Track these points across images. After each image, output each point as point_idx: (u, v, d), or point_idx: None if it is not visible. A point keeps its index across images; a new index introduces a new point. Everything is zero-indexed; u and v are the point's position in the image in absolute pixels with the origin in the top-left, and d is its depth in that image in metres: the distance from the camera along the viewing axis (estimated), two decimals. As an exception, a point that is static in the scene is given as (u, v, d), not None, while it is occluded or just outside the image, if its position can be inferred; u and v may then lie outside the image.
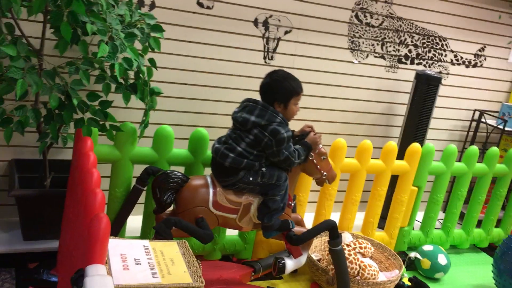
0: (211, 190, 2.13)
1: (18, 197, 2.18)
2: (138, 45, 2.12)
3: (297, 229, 2.27)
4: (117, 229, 2.25)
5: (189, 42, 2.62)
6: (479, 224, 3.29)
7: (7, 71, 1.76)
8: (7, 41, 1.82)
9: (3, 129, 1.89)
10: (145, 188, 2.27)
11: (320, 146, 2.28)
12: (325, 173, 2.29)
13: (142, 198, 2.32)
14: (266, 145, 2.07)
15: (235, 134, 2.13)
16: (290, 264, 2.29)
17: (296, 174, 2.31)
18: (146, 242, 1.72)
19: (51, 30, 1.97)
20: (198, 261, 1.67)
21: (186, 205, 2.10)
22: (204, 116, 2.76)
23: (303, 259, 2.34)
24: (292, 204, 2.33)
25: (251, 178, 2.12)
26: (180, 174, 2.13)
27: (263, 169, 2.15)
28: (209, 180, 2.17)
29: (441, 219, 3.22)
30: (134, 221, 2.45)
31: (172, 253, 1.67)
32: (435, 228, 3.12)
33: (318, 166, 2.27)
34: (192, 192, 2.12)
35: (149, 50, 2.19)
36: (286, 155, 2.09)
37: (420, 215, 3.15)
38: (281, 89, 2.12)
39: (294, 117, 2.21)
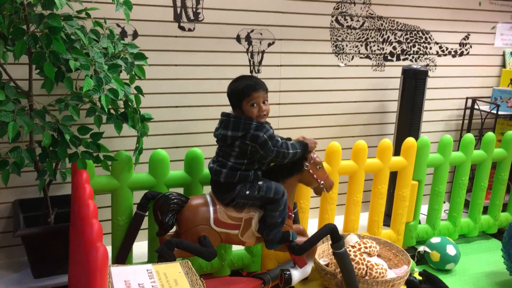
0: (211, 208, 2.17)
1: (23, 236, 2.22)
2: (125, 75, 2.18)
3: (299, 239, 2.29)
4: (124, 257, 2.28)
5: (175, 65, 2.67)
6: (485, 210, 3.28)
7: (-2, 115, 1.82)
8: (-5, 86, 1.87)
9: (0, 172, 1.94)
10: (147, 214, 2.30)
11: (315, 155, 2.30)
12: (322, 182, 2.32)
13: (145, 223, 2.36)
14: (252, 152, 2.09)
15: (221, 151, 2.17)
16: (296, 274, 2.31)
17: (294, 185, 2.33)
18: (149, 266, 1.75)
19: (37, 70, 2.02)
20: (202, 279, 1.70)
21: (188, 225, 2.13)
22: (198, 136, 2.80)
23: (308, 268, 2.35)
24: (293, 215, 2.35)
25: (247, 192, 2.15)
26: (179, 195, 2.16)
27: (260, 183, 2.17)
28: (208, 198, 2.21)
29: (447, 210, 3.22)
30: (140, 247, 2.49)
31: (175, 274, 1.70)
32: (442, 220, 3.12)
33: (315, 176, 2.30)
34: (193, 212, 2.15)
35: (136, 78, 2.25)
36: (276, 150, 2.10)
37: (424, 209, 3.16)
38: (229, 94, 2.15)
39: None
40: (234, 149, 2.11)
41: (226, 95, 2.18)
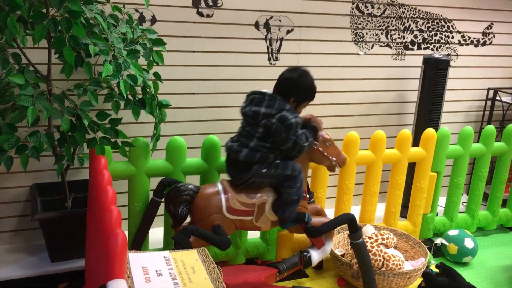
0: (223, 196, 2.16)
1: (41, 220, 2.24)
2: (143, 61, 2.16)
3: (316, 219, 2.28)
4: (140, 243, 2.29)
5: (193, 51, 2.65)
6: (504, 203, 3.23)
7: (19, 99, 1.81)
8: (14, 70, 1.87)
9: (19, 156, 1.95)
10: (163, 200, 2.30)
11: (323, 133, 2.28)
12: (334, 158, 2.30)
13: (161, 210, 2.36)
14: (275, 131, 2.09)
15: (245, 131, 2.17)
16: (315, 255, 2.31)
17: (305, 165, 2.31)
18: (166, 253, 1.74)
19: (56, 55, 2.02)
20: (219, 267, 1.69)
21: (201, 214, 2.13)
22: (215, 123, 2.78)
23: (327, 248, 2.35)
24: (307, 196, 2.34)
25: (264, 170, 2.14)
26: (190, 185, 2.15)
27: (277, 161, 2.17)
28: (220, 186, 2.19)
29: (465, 202, 3.18)
30: (156, 234, 2.49)
31: (192, 262, 1.70)
32: (460, 212, 3.08)
33: (325, 153, 2.28)
34: (205, 201, 2.14)
35: (154, 64, 2.23)
36: (294, 140, 2.11)
37: (442, 200, 3.12)
38: (304, 89, 2.17)
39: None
40: (258, 130, 2.12)
41: (291, 82, 2.17)
